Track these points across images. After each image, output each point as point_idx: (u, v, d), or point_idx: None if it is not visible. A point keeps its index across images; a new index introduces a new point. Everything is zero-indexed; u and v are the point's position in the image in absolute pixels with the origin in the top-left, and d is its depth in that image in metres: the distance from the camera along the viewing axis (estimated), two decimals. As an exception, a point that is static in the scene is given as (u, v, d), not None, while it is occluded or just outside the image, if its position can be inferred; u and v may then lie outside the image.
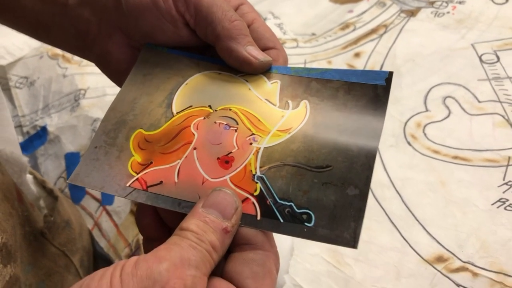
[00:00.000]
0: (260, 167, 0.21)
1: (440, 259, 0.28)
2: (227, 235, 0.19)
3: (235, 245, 0.19)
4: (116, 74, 0.26)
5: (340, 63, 0.44)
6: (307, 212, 0.19)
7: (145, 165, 0.22)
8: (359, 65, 0.43)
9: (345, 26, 0.47)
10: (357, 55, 0.44)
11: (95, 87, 0.48)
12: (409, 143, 0.35)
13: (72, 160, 0.45)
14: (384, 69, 0.42)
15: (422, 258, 0.28)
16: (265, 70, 0.24)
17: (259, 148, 0.21)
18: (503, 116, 0.35)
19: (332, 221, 0.19)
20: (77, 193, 0.44)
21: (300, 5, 0.52)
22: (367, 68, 0.42)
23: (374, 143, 0.20)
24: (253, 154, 0.21)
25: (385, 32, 0.45)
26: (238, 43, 0.23)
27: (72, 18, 0.25)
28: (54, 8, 0.25)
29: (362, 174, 0.20)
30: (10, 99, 0.54)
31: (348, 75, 0.23)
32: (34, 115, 0.54)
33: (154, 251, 0.17)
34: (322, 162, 0.20)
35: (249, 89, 0.24)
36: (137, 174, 0.22)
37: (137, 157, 0.22)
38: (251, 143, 0.22)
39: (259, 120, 0.22)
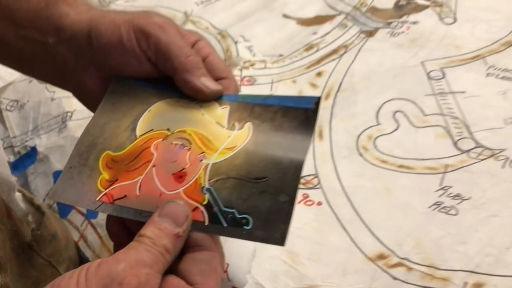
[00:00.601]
0: (208, 180, 0.25)
1: (381, 256, 0.32)
2: (179, 240, 0.22)
3: (187, 247, 0.23)
4: (90, 103, 0.30)
5: (303, 82, 0.48)
6: (246, 217, 0.23)
7: (112, 181, 0.26)
8: (320, 83, 0.47)
9: (309, 47, 0.52)
10: (319, 74, 0.48)
11: (81, 109, 0.52)
12: (360, 154, 0.39)
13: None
14: (342, 86, 0.46)
15: (366, 256, 0.32)
16: (216, 98, 0.28)
17: (208, 164, 0.25)
18: (444, 128, 0.39)
19: (266, 224, 0.23)
20: (64, 208, 0.47)
21: (270, 28, 0.56)
22: (327, 87, 0.46)
23: (302, 156, 0.24)
24: (203, 169, 0.25)
25: (345, 52, 0.50)
26: (193, 75, 0.27)
27: (52, 55, 0.29)
28: (36, 46, 0.29)
29: (291, 183, 0.23)
30: (2, 121, 0.58)
31: (285, 101, 0.27)
32: (25, 136, 0.58)
33: (115, 255, 0.21)
34: (259, 174, 0.24)
35: (203, 114, 0.27)
36: (105, 190, 0.25)
37: (105, 175, 0.26)
38: (201, 160, 0.25)
39: (209, 140, 0.26)
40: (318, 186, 0.38)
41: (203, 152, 0.26)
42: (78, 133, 0.30)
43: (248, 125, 0.26)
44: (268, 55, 0.52)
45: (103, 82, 0.29)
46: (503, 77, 0.42)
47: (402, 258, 0.31)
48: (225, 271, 0.34)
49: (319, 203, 0.36)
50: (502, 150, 0.35)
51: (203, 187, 0.24)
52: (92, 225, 0.46)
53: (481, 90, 0.41)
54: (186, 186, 0.25)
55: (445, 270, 0.30)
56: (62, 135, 0.52)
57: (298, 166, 0.24)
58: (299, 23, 0.56)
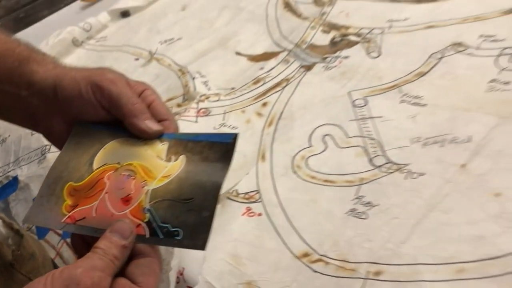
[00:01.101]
0: (149, 202, 0.31)
1: (305, 254, 0.39)
2: (125, 249, 0.29)
3: (133, 255, 0.30)
4: (58, 142, 0.37)
5: (251, 111, 0.55)
6: (178, 230, 0.30)
7: (74, 206, 0.32)
8: (265, 112, 0.55)
9: (257, 81, 0.60)
10: (264, 104, 0.56)
11: (57, 141, 0.58)
12: (294, 172, 0.46)
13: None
14: (283, 115, 0.54)
15: (294, 255, 0.39)
16: (158, 136, 0.35)
17: (149, 190, 0.32)
18: (362, 148, 0.47)
19: (192, 234, 0.29)
20: (42, 230, 0.54)
21: (224, 64, 0.64)
22: (270, 116, 0.54)
23: (221, 180, 0.31)
24: (145, 194, 0.32)
25: (287, 85, 0.58)
26: (138, 119, 0.34)
27: (25, 105, 0.36)
28: (11, 98, 0.36)
29: (212, 201, 0.30)
30: (-14, 154, 0.64)
31: (212, 137, 0.34)
32: (7, 167, 0.64)
33: (75, 263, 0.28)
34: (188, 196, 0.31)
35: (146, 150, 0.34)
36: (68, 213, 0.32)
37: (68, 202, 0.33)
38: (143, 187, 0.32)
39: (150, 170, 0.33)
40: (259, 200, 0.45)
41: (145, 180, 0.33)
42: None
43: (182, 157, 0.34)
44: (222, 88, 0.60)
45: (67, 126, 0.36)
46: (413, 103, 0.50)
47: (321, 255, 0.38)
48: (181, 274, 0.41)
49: (260, 214, 0.44)
50: (406, 165, 0.43)
51: (145, 208, 0.31)
52: (67, 244, 0.52)
53: (395, 114, 0.49)
54: (132, 207, 0.31)
55: (354, 263, 0.37)
56: (42, 166, 0.59)
57: (217, 188, 0.31)
58: (249, 59, 0.65)
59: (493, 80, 0.49)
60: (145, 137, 0.35)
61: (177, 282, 0.41)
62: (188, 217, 0.30)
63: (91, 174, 0.34)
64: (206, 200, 0.31)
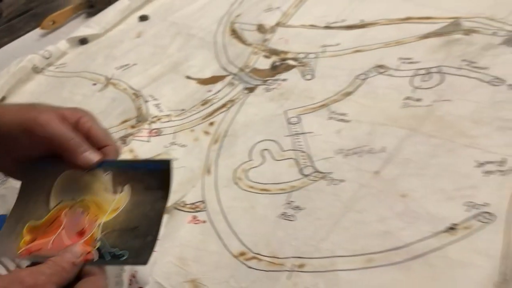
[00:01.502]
0: (101, 233, 0.36)
1: (242, 254, 0.45)
2: (75, 266, 0.33)
3: (83, 275, 0.34)
4: (15, 177, 0.42)
5: (199, 130, 0.61)
6: (123, 253, 0.35)
7: (32, 241, 0.36)
8: (212, 131, 0.61)
9: (205, 102, 0.66)
10: (211, 123, 0.62)
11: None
12: (236, 183, 0.52)
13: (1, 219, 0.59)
14: (228, 133, 0.60)
15: (232, 254, 0.45)
16: (99, 165, 0.38)
17: (100, 223, 0.37)
18: (295, 160, 0.53)
19: (136, 255, 0.34)
20: None
21: (175, 87, 0.70)
22: (216, 134, 0.60)
23: (163, 205, 0.37)
24: (97, 226, 0.37)
25: (232, 106, 0.64)
26: (76, 154, 0.37)
27: None
28: None
29: (155, 227, 0.35)
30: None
31: (149, 165, 0.39)
32: (-30, 189, 0.67)
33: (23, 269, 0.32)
34: (134, 225, 0.36)
35: (94, 182, 0.38)
36: (26, 246, 0.36)
37: (27, 238, 0.37)
38: (96, 221, 0.37)
39: (101, 204, 0.37)
40: (204, 209, 0.51)
41: (97, 215, 0.37)
42: (18, 184, 0.41)
43: (127, 187, 0.38)
44: (173, 110, 0.66)
45: (16, 163, 0.39)
46: (339, 120, 0.57)
47: (255, 253, 0.44)
48: (134, 277, 0.46)
49: (204, 221, 0.49)
50: (330, 173, 0.50)
51: (96, 238, 0.36)
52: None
53: (323, 130, 0.56)
54: (85, 239, 0.36)
55: (282, 258, 0.43)
56: (4, 186, 0.63)
57: (160, 215, 0.36)
58: (199, 83, 0.71)
59: (407, 98, 0.57)
60: (87, 169, 0.38)
61: (130, 284, 0.46)
62: (134, 242, 0.35)
63: (49, 213, 0.38)
64: (150, 226, 0.36)
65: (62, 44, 0.87)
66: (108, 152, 0.39)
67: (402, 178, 0.47)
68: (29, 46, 0.92)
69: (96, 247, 0.35)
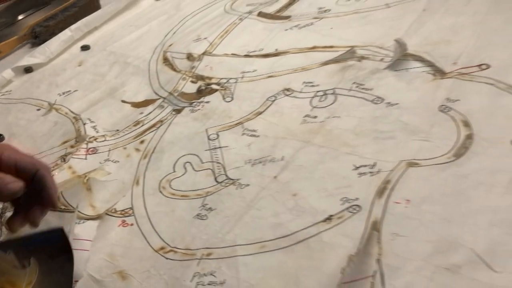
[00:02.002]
0: None
1: (161, 248, 0.54)
2: None
3: None
4: None
5: (131, 148, 0.70)
6: None
7: None
8: (142, 148, 0.70)
9: (137, 123, 0.75)
10: (142, 142, 0.71)
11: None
12: (160, 192, 0.62)
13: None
14: (156, 149, 0.69)
15: (154, 249, 0.54)
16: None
17: None
18: (211, 170, 0.63)
19: None
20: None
21: (111, 111, 0.79)
22: (146, 150, 0.69)
23: (71, 267, 0.43)
24: None
25: (161, 125, 0.73)
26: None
27: None
28: None
29: None
30: None
31: (43, 236, 0.44)
32: None
33: None
34: None
35: (1, 262, 0.42)
36: None
37: None
38: None
39: (15, 282, 0.41)
40: (132, 214, 0.59)
41: None
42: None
43: (33, 261, 0.42)
44: (108, 130, 0.75)
45: None
46: (250, 135, 0.67)
47: (172, 247, 0.54)
48: (70, 273, 0.54)
49: (132, 224, 0.58)
50: (238, 179, 0.60)
51: None
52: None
53: (237, 144, 0.66)
54: None
55: (194, 250, 0.53)
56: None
57: (70, 277, 0.42)
58: (132, 106, 0.80)
59: (306, 115, 0.68)
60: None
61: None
62: None
63: None
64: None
65: (7, 73, 0.94)
66: (42, 175, 0.43)
67: (295, 181, 0.58)
68: (-24, 75, 0.98)
69: None
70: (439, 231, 0.48)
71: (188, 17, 1.05)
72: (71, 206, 0.59)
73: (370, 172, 0.57)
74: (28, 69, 0.96)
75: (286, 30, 0.92)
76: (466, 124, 0.60)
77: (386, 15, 0.89)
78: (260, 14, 0.99)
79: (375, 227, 0.50)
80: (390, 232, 0.49)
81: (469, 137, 0.58)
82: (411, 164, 0.56)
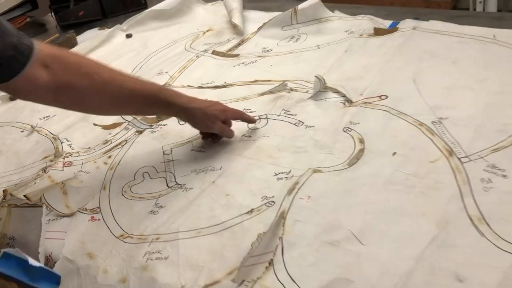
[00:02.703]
0: None
1: (121, 235, 0.69)
2: None
3: None
4: None
5: (100, 162, 0.86)
6: None
7: None
8: (109, 161, 0.86)
9: (106, 142, 0.91)
10: (109, 157, 0.87)
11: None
12: (123, 195, 0.77)
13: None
14: (120, 163, 0.85)
15: (115, 236, 0.69)
16: None
17: None
18: (164, 177, 0.79)
19: None
20: None
21: (85, 132, 0.95)
22: (112, 163, 0.85)
23: None
24: None
25: (125, 144, 0.90)
26: None
27: None
28: None
29: None
30: None
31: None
32: None
33: None
34: None
35: None
36: None
37: None
38: None
39: None
40: (99, 212, 0.75)
41: None
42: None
43: None
44: (82, 148, 0.90)
45: None
46: (198, 151, 0.84)
47: (130, 234, 0.69)
48: (50, 256, 0.69)
49: (99, 219, 0.73)
50: (185, 184, 0.76)
51: None
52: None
53: (185, 158, 0.83)
54: None
55: (146, 235, 0.68)
56: None
57: None
58: (103, 128, 0.96)
59: (243, 135, 0.85)
60: None
61: (47, 262, 0.69)
62: None
63: None
64: None
65: (-5, 101, 1.09)
66: None
67: (228, 185, 0.75)
68: (-34, 102, 1.13)
69: None
70: (328, 217, 0.65)
71: (153, 54, 1.23)
72: (47, 204, 0.74)
73: (286, 177, 0.74)
74: (12, 98, 1.12)
75: (234, 66, 1.10)
76: (361, 141, 0.78)
77: (315, 55, 1.08)
78: (214, 52, 1.18)
79: (282, 215, 0.67)
80: (293, 219, 0.66)
81: (362, 150, 0.76)
82: (316, 170, 0.74)
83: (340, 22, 1.20)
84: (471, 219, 0.62)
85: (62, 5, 1.56)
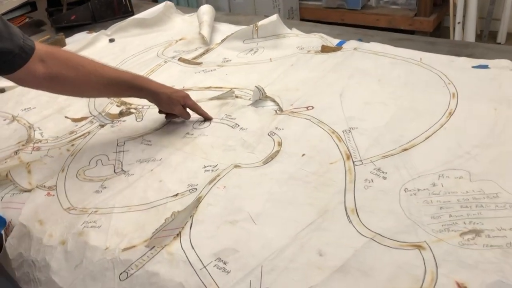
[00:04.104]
0: None
1: (68, 208, 0.84)
2: None
3: None
4: None
5: (64, 148, 1.01)
6: None
7: None
8: (72, 149, 1.01)
9: (72, 132, 1.06)
10: (72, 145, 1.02)
11: None
12: (77, 177, 0.93)
13: None
14: (81, 150, 1.00)
15: (63, 208, 0.84)
16: None
17: None
18: (114, 165, 0.95)
19: None
20: None
21: (56, 123, 1.10)
22: (74, 150, 1.00)
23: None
24: None
25: (88, 135, 1.05)
26: None
27: None
28: None
29: None
30: None
31: None
32: None
33: None
34: None
35: None
36: None
37: None
38: None
39: None
40: (55, 189, 0.90)
41: None
42: None
43: None
44: (51, 136, 1.06)
45: None
46: (146, 144, 0.99)
47: (75, 207, 0.84)
48: (10, 223, 0.84)
49: (53, 195, 0.89)
50: (128, 171, 0.91)
51: None
52: None
53: (135, 149, 0.98)
54: None
55: (88, 208, 0.83)
56: None
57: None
58: (72, 121, 1.12)
59: (187, 133, 1.00)
60: None
61: (7, 228, 0.84)
62: None
63: None
64: None
65: (-15, 92, 1.26)
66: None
67: (163, 173, 0.89)
68: (-40, 92, 1.29)
69: None
70: (235, 203, 0.80)
71: (129, 58, 1.38)
72: (12, 179, 0.89)
73: (212, 170, 0.89)
74: (1, 90, 1.28)
75: (195, 72, 1.26)
76: (279, 144, 0.93)
77: (266, 67, 1.23)
78: (180, 59, 1.33)
79: (199, 200, 0.81)
80: (207, 203, 0.81)
81: (277, 152, 0.91)
82: (237, 166, 0.88)
83: (295, 39, 1.35)
84: (346, 210, 0.76)
85: (58, 8, 1.73)
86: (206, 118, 1.03)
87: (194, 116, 1.05)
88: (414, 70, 1.12)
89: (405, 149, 0.86)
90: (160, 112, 1.04)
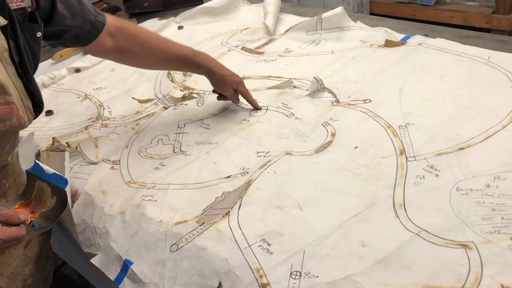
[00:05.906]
0: (37, 216, 0.78)
1: (129, 181, 0.90)
2: (19, 220, 0.72)
3: None
4: None
5: (129, 126, 1.08)
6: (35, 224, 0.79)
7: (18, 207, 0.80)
8: (136, 128, 1.08)
9: (137, 112, 1.13)
10: (137, 124, 1.09)
11: None
12: (139, 154, 0.99)
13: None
14: (145, 129, 1.07)
15: (125, 182, 0.91)
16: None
17: (41, 211, 0.78)
18: (173, 145, 1.00)
19: (43, 223, 0.80)
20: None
21: (124, 103, 1.17)
22: (139, 129, 1.07)
23: (63, 205, 0.83)
24: (38, 212, 0.76)
25: (152, 115, 1.11)
26: None
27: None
28: None
29: (59, 211, 0.81)
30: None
31: (52, 179, 0.82)
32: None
33: None
34: (49, 215, 0.81)
35: (45, 189, 0.85)
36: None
37: (16, 206, 0.79)
38: (40, 209, 0.76)
39: (45, 202, 0.77)
40: (118, 163, 0.97)
41: (44, 206, 0.76)
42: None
43: (55, 198, 0.81)
44: (118, 115, 1.13)
45: None
46: (204, 127, 1.04)
47: (135, 181, 0.90)
48: (76, 191, 0.92)
49: (117, 169, 0.95)
50: (186, 151, 0.96)
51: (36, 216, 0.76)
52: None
53: (194, 132, 1.03)
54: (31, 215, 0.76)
55: (147, 183, 0.89)
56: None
57: (63, 207, 0.81)
58: (138, 102, 1.18)
59: (243, 119, 1.04)
60: None
61: (74, 195, 0.91)
62: (44, 222, 0.74)
63: (29, 199, 0.77)
64: (54, 209, 0.75)
65: (63, 71, 1.36)
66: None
67: (218, 155, 0.93)
68: (43, 70, 1.40)
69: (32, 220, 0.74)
70: (283, 189, 0.82)
71: (195, 45, 1.44)
72: (81, 152, 0.97)
73: (264, 156, 0.91)
74: (77, 70, 1.38)
75: (256, 62, 1.29)
76: (333, 134, 0.94)
77: (327, 59, 1.24)
78: (243, 48, 1.36)
79: (249, 182, 0.84)
80: (256, 186, 0.84)
81: (329, 142, 0.92)
82: (288, 153, 0.91)
83: (359, 32, 1.34)
84: (393, 204, 0.76)
85: (133, -5, 1.82)
86: (255, 107, 1.06)
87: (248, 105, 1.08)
88: (479, 68, 1.08)
89: (461, 148, 0.84)
90: (213, 91, 1.07)
